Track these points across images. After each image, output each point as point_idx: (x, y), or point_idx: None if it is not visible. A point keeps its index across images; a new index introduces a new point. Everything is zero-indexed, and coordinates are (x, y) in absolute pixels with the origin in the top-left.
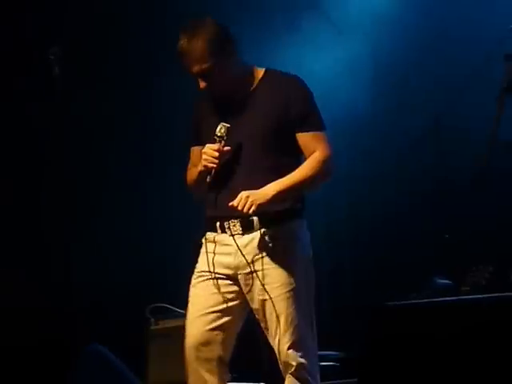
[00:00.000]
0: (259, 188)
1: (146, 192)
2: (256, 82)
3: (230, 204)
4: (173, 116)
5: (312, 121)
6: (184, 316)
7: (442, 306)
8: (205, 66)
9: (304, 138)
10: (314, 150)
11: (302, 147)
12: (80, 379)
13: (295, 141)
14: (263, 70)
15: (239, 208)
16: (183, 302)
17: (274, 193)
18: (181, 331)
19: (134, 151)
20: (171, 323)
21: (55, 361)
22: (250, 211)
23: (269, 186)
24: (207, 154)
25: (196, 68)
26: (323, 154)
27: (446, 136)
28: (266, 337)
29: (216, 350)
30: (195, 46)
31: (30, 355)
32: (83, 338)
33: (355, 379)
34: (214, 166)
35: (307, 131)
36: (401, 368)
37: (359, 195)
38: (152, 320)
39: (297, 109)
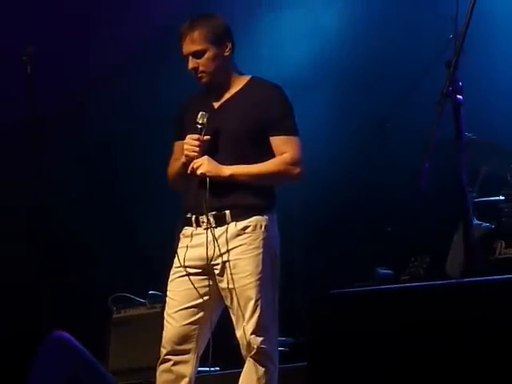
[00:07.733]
0: (233, 184)
1: (120, 187)
2: (241, 85)
3: (191, 165)
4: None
5: (285, 126)
6: (143, 305)
7: (382, 293)
8: (199, 47)
9: (276, 142)
10: (284, 153)
11: (274, 150)
12: (45, 365)
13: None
14: (250, 76)
15: (194, 166)
16: (143, 292)
17: (229, 172)
18: (141, 319)
19: (120, 148)
20: (132, 312)
21: (19, 349)
22: (198, 172)
23: (229, 166)
24: (188, 144)
25: (190, 47)
26: (291, 157)
27: (391, 137)
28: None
29: (192, 344)
30: (195, 29)
31: None
32: (47, 326)
33: (303, 363)
34: (196, 154)
35: (279, 135)
36: (347, 353)
37: (309, 191)
38: (114, 309)
39: (272, 113)
